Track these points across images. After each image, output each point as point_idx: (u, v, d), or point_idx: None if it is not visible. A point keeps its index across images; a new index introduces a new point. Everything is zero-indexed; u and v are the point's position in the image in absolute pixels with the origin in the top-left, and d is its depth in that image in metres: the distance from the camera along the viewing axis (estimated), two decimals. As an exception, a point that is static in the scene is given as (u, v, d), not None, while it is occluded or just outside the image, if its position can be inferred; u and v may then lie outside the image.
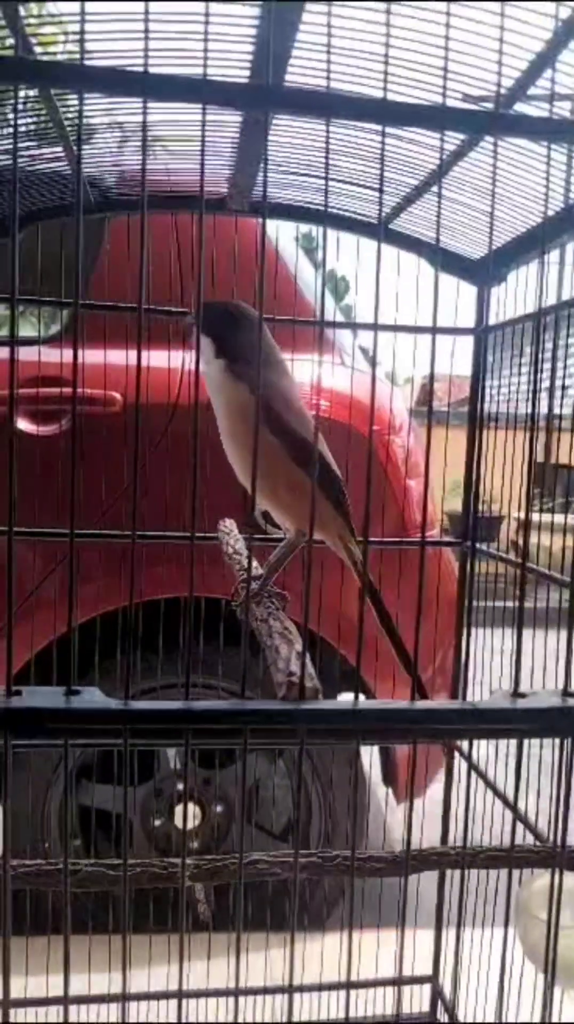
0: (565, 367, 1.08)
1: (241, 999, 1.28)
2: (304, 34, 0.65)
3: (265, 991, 1.21)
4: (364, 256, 1.10)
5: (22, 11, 0.74)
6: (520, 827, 1.03)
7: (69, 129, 0.85)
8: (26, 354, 1.29)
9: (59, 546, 1.28)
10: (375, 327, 0.55)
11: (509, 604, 1.09)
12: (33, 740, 0.97)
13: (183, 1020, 0.62)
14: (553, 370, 1.11)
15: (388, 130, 0.78)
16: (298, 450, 0.84)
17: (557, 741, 0.57)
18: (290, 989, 0.62)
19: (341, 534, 0.90)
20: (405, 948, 1.18)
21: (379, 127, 0.71)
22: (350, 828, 1.52)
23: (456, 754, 1.25)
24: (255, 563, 0.91)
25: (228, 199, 1.05)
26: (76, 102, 0.79)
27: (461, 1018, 1.22)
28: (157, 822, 1.61)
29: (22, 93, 0.83)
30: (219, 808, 1.61)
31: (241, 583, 0.84)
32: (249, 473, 0.86)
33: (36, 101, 0.84)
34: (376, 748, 1.70)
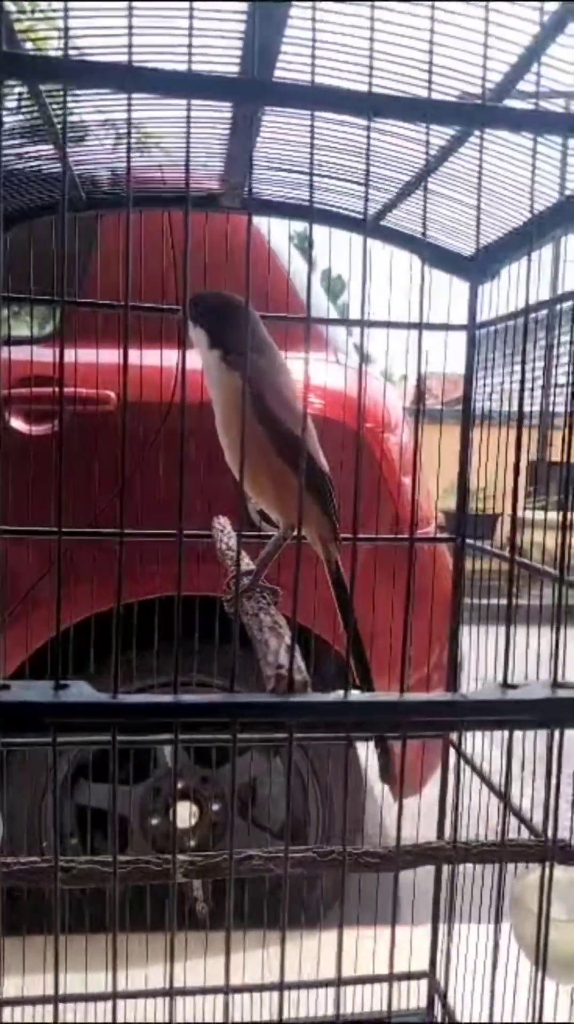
0: (557, 364, 1.07)
1: (236, 997, 1.28)
2: (292, 30, 0.65)
3: (257, 988, 1.21)
4: (358, 254, 1.10)
5: (9, 7, 0.74)
6: (515, 822, 1.03)
7: (58, 126, 0.85)
8: (19, 353, 1.29)
9: (54, 545, 1.28)
10: (362, 323, 0.55)
11: (504, 602, 1.09)
12: (23, 735, 0.97)
13: (175, 1018, 0.62)
14: (546, 367, 1.11)
15: (377, 126, 0.78)
16: (283, 442, 0.84)
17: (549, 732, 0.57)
18: (281, 986, 0.62)
19: (321, 532, 0.90)
20: (402, 944, 1.18)
21: (367, 124, 0.71)
22: (349, 824, 1.52)
23: (451, 750, 1.25)
24: (247, 559, 0.91)
25: (220, 196, 1.05)
26: (65, 99, 0.79)
27: (458, 1014, 1.22)
28: (154, 821, 1.61)
29: (14, 91, 0.83)
30: (216, 806, 1.61)
31: (231, 578, 0.84)
32: (238, 463, 0.87)
33: (27, 98, 0.84)
34: (373, 746, 1.70)
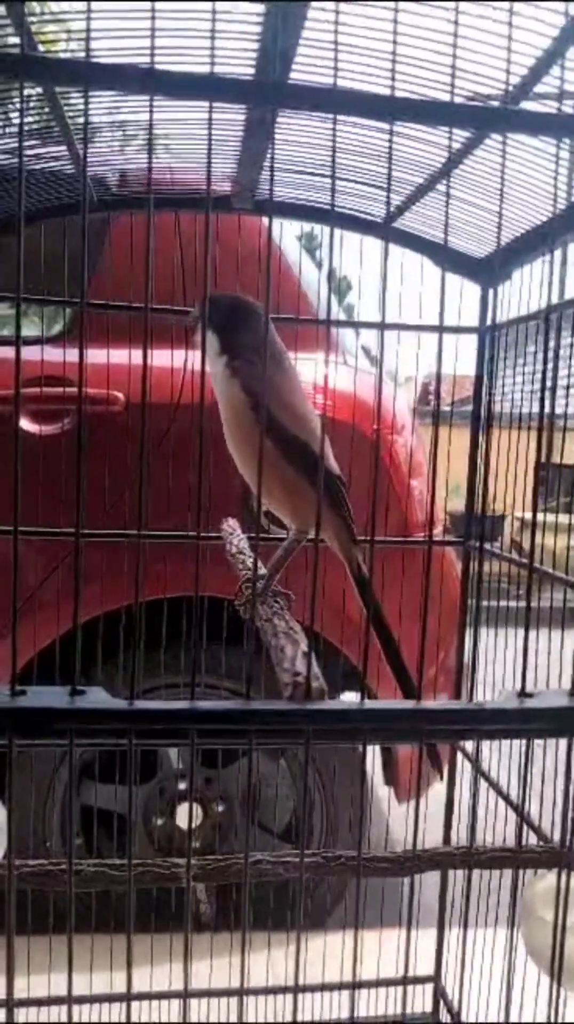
0: (569, 366, 1.07)
1: (245, 999, 1.28)
2: (309, 32, 0.65)
3: (270, 991, 1.21)
4: (367, 255, 1.09)
5: (27, 9, 0.74)
6: (524, 827, 1.02)
7: (73, 128, 0.85)
8: (29, 353, 1.29)
9: (61, 545, 1.28)
10: (382, 326, 0.54)
11: (512, 604, 1.08)
12: (38, 740, 0.97)
13: (187, 1020, 0.62)
14: (555, 369, 1.10)
15: (395, 128, 0.78)
16: (293, 451, 0.84)
17: (561, 742, 0.56)
18: (296, 989, 0.61)
19: (339, 536, 0.90)
20: (408, 948, 1.18)
21: (385, 125, 0.71)
22: (356, 828, 1.52)
23: (459, 754, 1.25)
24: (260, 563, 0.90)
25: (232, 198, 1.04)
26: (80, 101, 0.79)
27: (463, 1019, 1.22)
28: (159, 822, 1.61)
29: (26, 92, 0.83)
30: (220, 808, 1.61)
31: (244, 583, 0.84)
32: (246, 470, 0.85)
33: (40, 99, 0.83)
34: (377, 748, 1.70)
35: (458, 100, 0.66)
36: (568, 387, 1.10)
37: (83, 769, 1.58)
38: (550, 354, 1.10)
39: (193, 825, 1.59)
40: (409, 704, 0.48)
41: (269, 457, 0.82)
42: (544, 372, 0.55)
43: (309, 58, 0.69)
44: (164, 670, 1.37)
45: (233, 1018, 1.14)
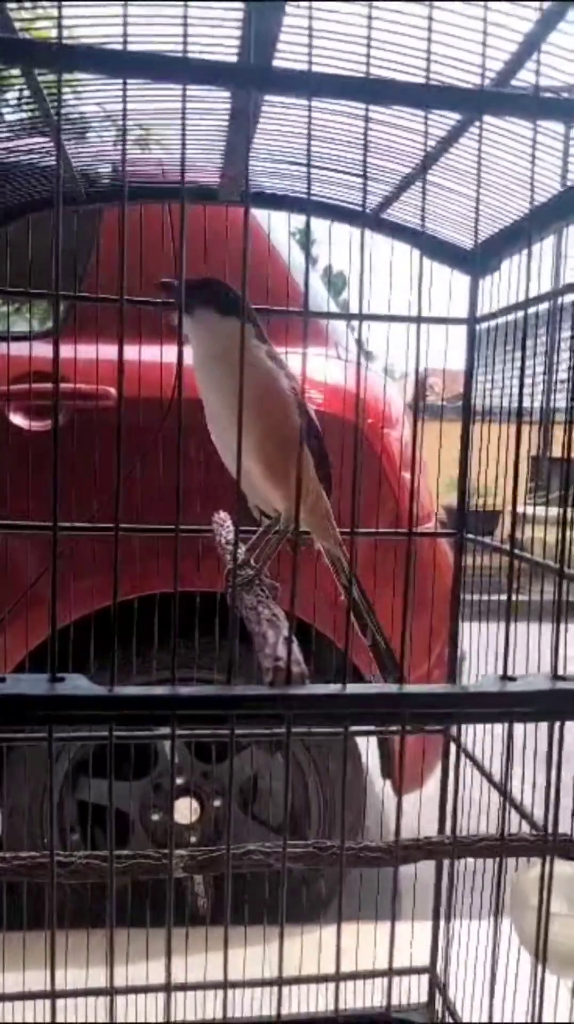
0: (558, 359, 1.07)
1: (236, 992, 1.28)
2: (291, 17, 0.65)
3: (256, 984, 1.21)
4: (358, 248, 1.09)
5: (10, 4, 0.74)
6: (517, 816, 1.02)
7: (56, 119, 0.85)
8: (18, 349, 1.28)
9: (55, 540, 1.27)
10: (360, 317, 0.54)
11: (505, 598, 1.08)
12: (20, 729, 0.97)
13: (173, 1013, 0.62)
14: (548, 361, 1.10)
15: (377, 116, 0.78)
16: (311, 432, 0.85)
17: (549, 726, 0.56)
18: (280, 982, 0.61)
19: (327, 515, 0.91)
20: (403, 940, 1.18)
21: (373, 113, 0.70)
22: (348, 817, 1.52)
23: (453, 745, 1.25)
24: (242, 547, 0.90)
25: (220, 189, 1.04)
26: (65, 93, 0.79)
27: (458, 1008, 1.22)
28: (155, 817, 1.61)
29: (15, 85, 0.83)
30: (217, 802, 1.61)
31: (230, 571, 0.84)
32: (256, 446, 0.83)
33: (26, 92, 0.83)
34: (374, 741, 1.70)
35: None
36: (558, 380, 1.09)
37: (79, 765, 1.58)
38: (541, 348, 1.10)
39: (190, 820, 1.59)
40: (391, 688, 0.48)
41: (292, 437, 0.82)
42: (522, 365, 0.55)
43: (292, 46, 0.69)
44: (156, 667, 1.37)
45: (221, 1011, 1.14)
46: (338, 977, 0.58)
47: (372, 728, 1.43)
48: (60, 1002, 0.94)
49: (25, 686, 0.46)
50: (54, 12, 0.80)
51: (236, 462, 0.58)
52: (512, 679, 0.49)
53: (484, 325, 1.17)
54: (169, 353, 1.24)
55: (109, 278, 1.31)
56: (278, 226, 1.60)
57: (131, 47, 0.46)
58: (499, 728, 0.61)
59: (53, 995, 0.56)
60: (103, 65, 0.43)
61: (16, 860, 0.82)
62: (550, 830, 0.58)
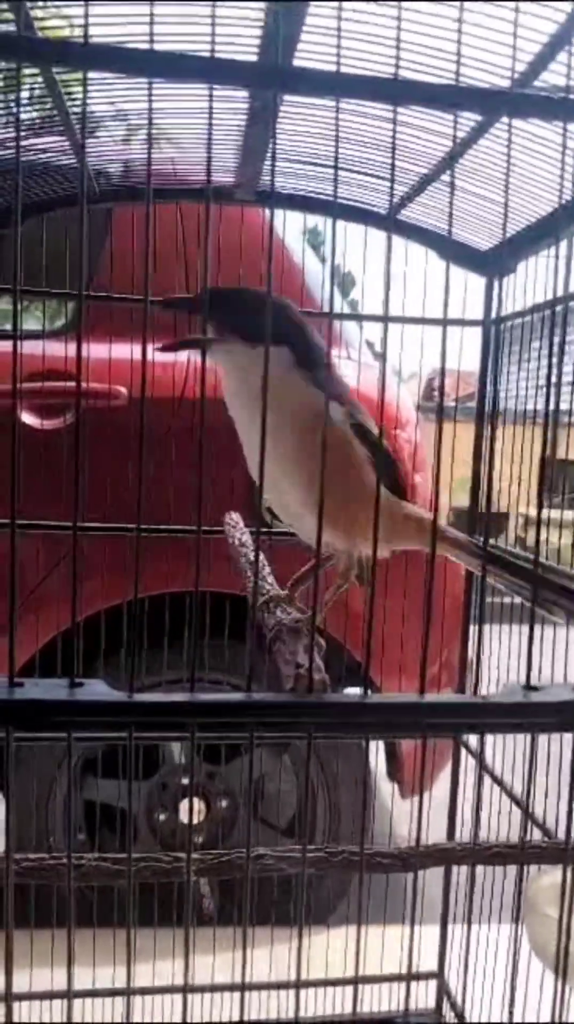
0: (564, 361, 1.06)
1: (247, 994, 1.28)
2: (313, 17, 0.64)
3: (272, 986, 1.21)
4: (371, 248, 1.08)
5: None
6: (527, 822, 1.02)
7: (74, 118, 0.84)
8: (30, 348, 1.28)
9: (63, 540, 1.27)
10: (386, 319, 0.54)
11: (517, 600, 1.08)
12: (36, 733, 0.97)
13: (189, 1015, 0.62)
14: (560, 364, 1.09)
15: (399, 117, 0.77)
16: (378, 459, 0.76)
17: (567, 736, 0.56)
18: (298, 984, 0.61)
19: (418, 523, 0.83)
20: (411, 944, 1.17)
21: (389, 114, 0.70)
22: (360, 823, 1.52)
23: (462, 749, 1.24)
24: (268, 573, 0.86)
25: (235, 189, 1.04)
26: (80, 91, 0.78)
27: (467, 1014, 1.21)
28: (162, 817, 1.61)
29: (28, 82, 0.82)
30: (224, 803, 1.61)
31: (263, 603, 0.74)
32: (310, 497, 0.72)
33: (41, 89, 0.83)
34: (381, 743, 1.70)
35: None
36: (571, 382, 1.08)
37: (85, 765, 1.58)
38: (555, 348, 1.09)
39: (196, 820, 1.59)
40: (413, 697, 0.48)
41: (364, 477, 0.74)
42: (550, 367, 0.54)
43: (312, 45, 0.69)
44: (167, 667, 1.36)
45: (235, 1013, 1.13)
46: (357, 980, 0.57)
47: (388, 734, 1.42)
48: (71, 1001, 0.94)
49: (44, 691, 0.45)
50: (67, 10, 0.80)
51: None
52: (535, 689, 0.49)
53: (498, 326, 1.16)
54: (181, 353, 1.23)
55: (121, 276, 1.31)
56: (289, 227, 1.60)
57: (145, 44, 0.45)
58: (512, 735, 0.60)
59: (70, 995, 0.56)
60: (129, 65, 0.43)
61: (26, 862, 0.81)
62: (569, 839, 0.58)
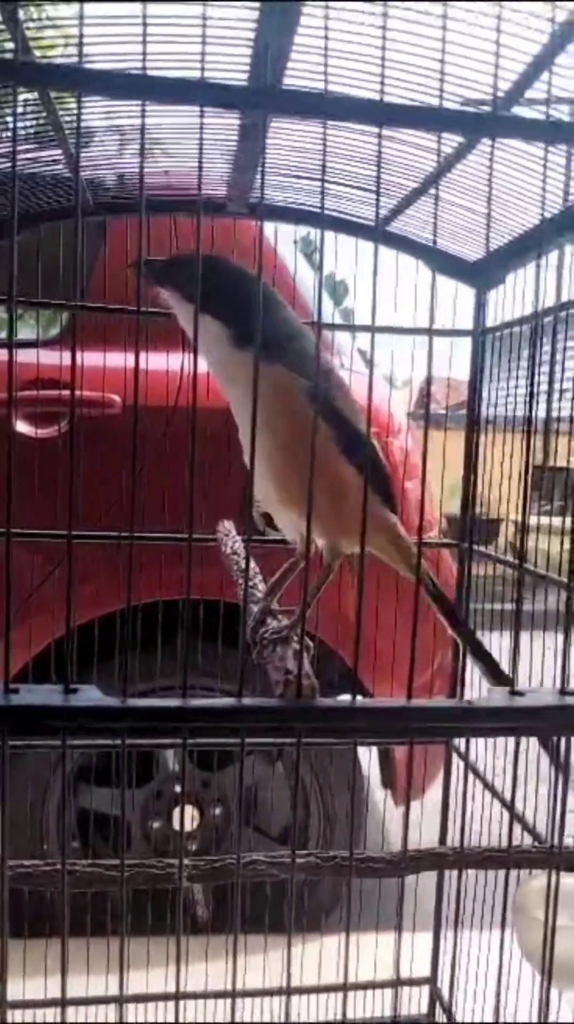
0: (563, 370, 1.08)
1: (239, 1001, 1.28)
2: (302, 36, 0.65)
3: (262, 993, 1.21)
4: (362, 259, 1.10)
5: (22, 14, 0.75)
6: (518, 827, 1.03)
7: (68, 132, 0.86)
8: (25, 356, 1.29)
9: (57, 549, 1.28)
10: (372, 329, 0.55)
11: (508, 607, 1.09)
12: (31, 739, 0.98)
13: (180, 1022, 0.62)
14: (551, 373, 1.11)
15: (386, 133, 0.78)
16: (349, 440, 0.72)
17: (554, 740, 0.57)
18: (288, 991, 0.62)
19: (394, 537, 0.80)
20: (404, 950, 1.18)
21: (376, 129, 0.71)
22: (349, 828, 1.52)
23: (454, 756, 1.25)
24: (259, 580, 0.86)
25: (227, 201, 1.05)
26: (75, 105, 0.80)
27: (459, 1020, 1.22)
28: (155, 824, 1.61)
29: (22, 96, 0.84)
30: (217, 810, 1.61)
31: (254, 627, 0.71)
32: (282, 475, 0.72)
33: (36, 104, 0.84)
34: (375, 750, 1.70)
35: (450, 105, 0.66)
36: (561, 390, 1.10)
37: (79, 772, 1.58)
38: (545, 358, 1.10)
39: (190, 828, 1.59)
40: (399, 702, 0.49)
41: (328, 452, 0.70)
42: (530, 377, 0.55)
43: (302, 63, 0.70)
44: (160, 673, 1.37)
45: (227, 1020, 1.14)
46: (346, 987, 0.58)
47: (376, 738, 1.43)
48: (65, 1009, 0.94)
49: (39, 697, 0.46)
50: (60, 23, 0.82)
51: (261, 490, 0.54)
52: (520, 694, 0.50)
53: (486, 336, 1.18)
54: (175, 361, 1.25)
55: (115, 285, 1.32)
56: (281, 237, 1.61)
57: (137, 63, 0.46)
58: (502, 739, 0.61)
59: (63, 1003, 0.56)
60: (120, 88, 0.44)
61: (20, 868, 0.82)
62: (553, 842, 0.59)
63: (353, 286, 1.09)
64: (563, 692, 0.50)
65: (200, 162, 0.48)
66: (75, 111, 0.81)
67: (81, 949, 1.16)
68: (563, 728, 0.50)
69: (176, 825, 1.58)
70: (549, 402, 1.19)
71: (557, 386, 1.11)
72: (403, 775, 1.61)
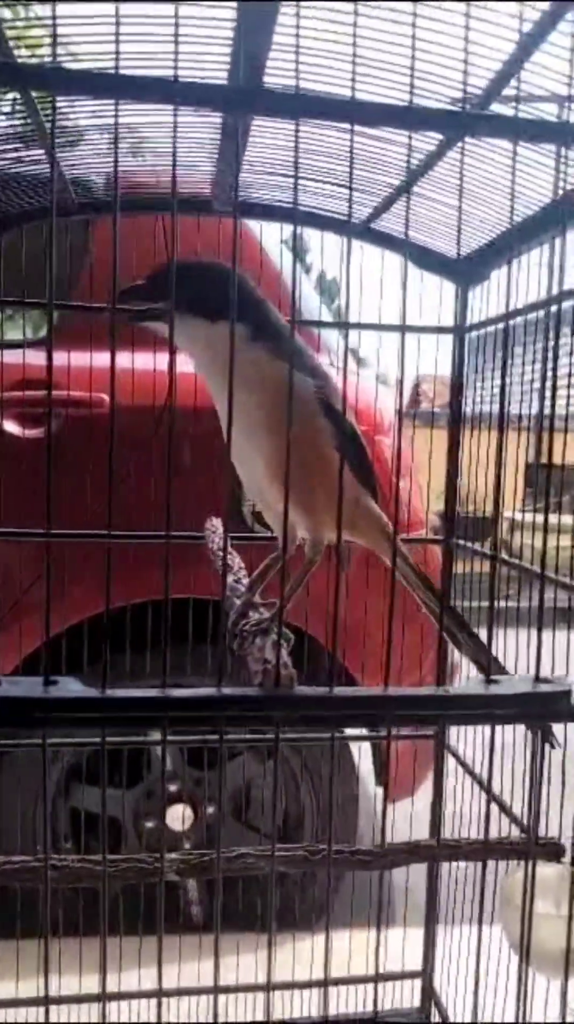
0: (555, 367, 1.08)
1: (230, 998, 1.28)
2: (280, 36, 0.66)
3: (247, 988, 1.21)
4: (352, 257, 1.10)
5: (6, 13, 0.75)
6: (507, 820, 1.03)
7: (50, 131, 0.86)
8: (12, 357, 1.29)
9: (47, 548, 1.28)
10: (346, 325, 0.55)
11: (499, 604, 1.09)
12: (16, 731, 0.98)
13: (164, 1019, 0.63)
14: (544, 370, 1.11)
15: (368, 131, 0.79)
16: (345, 438, 0.74)
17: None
18: (268, 987, 0.62)
19: (384, 529, 0.84)
20: (396, 944, 1.18)
21: (360, 127, 0.72)
22: (341, 824, 1.52)
23: (444, 748, 1.26)
24: (243, 574, 0.87)
25: (213, 199, 1.06)
26: (58, 102, 0.80)
27: (451, 1013, 1.22)
28: (149, 824, 1.61)
29: (8, 96, 0.84)
30: (211, 809, 1.62)
31: (234, 620, 0.71)
32: (283, 470, 0.68)
33: (20, 103, 0.84)
34: (369, 747, 1.71)
35: (427, 103, 0.67)
36: (554, 387, 1.11)
37: (72, 772, 1.58)
38: (531, 356, 1.11)
39: (183, 827, 1.59)
40: (376, 690, 0.49)
41: (323, 448, 0.73)
42: (503, 376, 0.56)
43: (283, 63, 0.71)
44: (149, 672, 1.37)
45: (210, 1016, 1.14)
46: (326, 982, 0.58)
47: (361, 733, 1.43)
48: (52, 1008, 0.94)
49: (19, 689, 0.47)
50: (47, 22, 0.82)
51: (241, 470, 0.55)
52: (495, 681, 0.50)
53: (474, 333, 1.19)
54: (162, 360, 1.25)
55: (102, 286, 1.32)
56: (270, 234, 1.62)
57: (124, 62, 0.47)
58: (498, 734, 0.61)
59: (47, 1001, 0.57)
60: (97, 88, 0.44)
61: (8, 864, 0.82)
62: (531, 831, 0.59)
63: (343, 284, 1.09)
64: (537, 680, 0.51)
65: (174, 161, 0.49)
66: (59, 111, 0.81)
67: (74, 949, 1.17)
68: (537, 715, 0.50)
69: (169, 824, 1.59)
70: (542, 400, 1.19)
71: (545, 384, 1.11)
72: (396, 771, 1.62)
